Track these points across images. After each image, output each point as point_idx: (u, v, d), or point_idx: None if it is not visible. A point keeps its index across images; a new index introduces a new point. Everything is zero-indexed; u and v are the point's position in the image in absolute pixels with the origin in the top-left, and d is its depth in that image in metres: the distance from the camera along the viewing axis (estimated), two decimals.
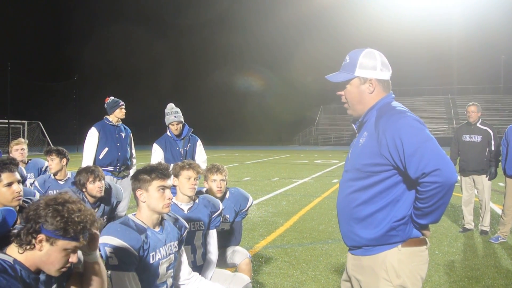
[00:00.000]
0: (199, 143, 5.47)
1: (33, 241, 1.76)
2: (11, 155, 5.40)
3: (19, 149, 5.55)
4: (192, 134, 5.47)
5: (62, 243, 1.77)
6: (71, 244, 1.79)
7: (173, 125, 5.25)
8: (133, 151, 6.07)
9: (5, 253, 1.78)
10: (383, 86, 2.15)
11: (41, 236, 1.76)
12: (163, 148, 5.26)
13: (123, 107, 5.78)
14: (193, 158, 5.35)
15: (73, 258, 1.84)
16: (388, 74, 2.17)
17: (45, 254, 1.78)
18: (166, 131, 5.38)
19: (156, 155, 5.25)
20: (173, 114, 5.26)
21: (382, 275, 2.03)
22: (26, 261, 1.78)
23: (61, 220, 1.76)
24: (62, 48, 69.57)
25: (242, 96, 68.73)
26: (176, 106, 5.40)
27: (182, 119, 5.31)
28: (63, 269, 1.84)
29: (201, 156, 5.46)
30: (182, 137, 5.34)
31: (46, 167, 5.45)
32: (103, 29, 68.83)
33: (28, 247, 1.76)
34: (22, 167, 5.31)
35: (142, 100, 58.87)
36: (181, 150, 5.29)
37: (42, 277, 1.84)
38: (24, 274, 1.75)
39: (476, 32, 56.97)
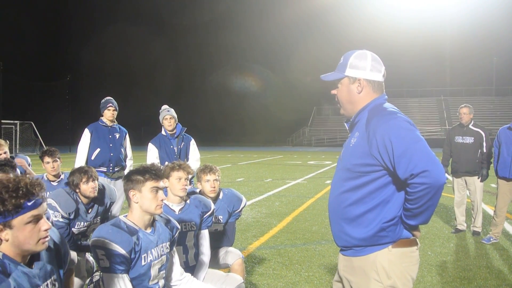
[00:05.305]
0: (192, 142, 5.62)
1: None
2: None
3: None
4: (186, 134, 5.62)
5: (14, 222, 1.67)
6: (26, 216, 1.68)
7: (166, 119, 5.41)
8: (129, 153, 6.04)
9: None
10: (373, 86, 2.17)
11: None
12: (158, 146, 5.42)
13: (111, 108, 5.75)
14: (186, 157, 5.50)
15: (44, 226, 1.74)
16: (379, 76, 2.17)
17: (15, 239, 1.69)
18: (161, 131, 5.52)
19: (151, 154, 5.42)
20: (166, 109, 5.47)
21: (372, 276, 2.03)
22: (10, 253, 1.71)
23: None
24: (57, 48, 69.24)
25: (238, 97, 68.73)
26: (173, 106, 5.61)
27: (175, 116, 5.48)
28: (43, 240, 1.75)
29: (194, 154, 5.59)
30: (176, 136, 5.47)
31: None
32: (99, 28, 68.56)
33: None
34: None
35: (139, 101, 58.75)
36: (175, 149, 5.43)
37: (35, 270, 1.79)
38: (13, 268, 1.70)
39: (469, 34, 57.41)
